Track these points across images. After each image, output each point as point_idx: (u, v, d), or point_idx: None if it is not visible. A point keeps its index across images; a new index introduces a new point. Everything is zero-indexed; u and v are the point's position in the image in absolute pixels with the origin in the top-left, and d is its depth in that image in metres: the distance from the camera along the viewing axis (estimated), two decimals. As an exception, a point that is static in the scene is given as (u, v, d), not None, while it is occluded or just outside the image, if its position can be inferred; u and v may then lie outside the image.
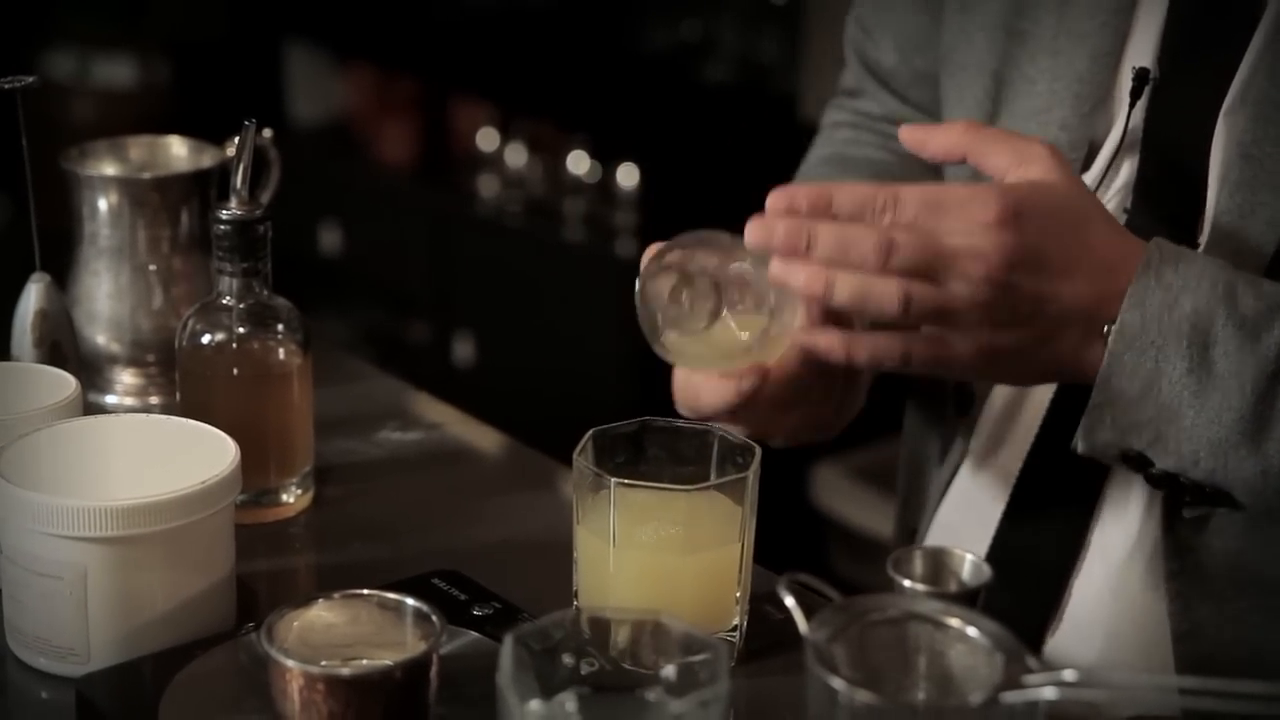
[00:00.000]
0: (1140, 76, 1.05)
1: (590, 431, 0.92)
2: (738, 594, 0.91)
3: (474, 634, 0.89)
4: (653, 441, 0.93)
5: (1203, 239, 1.02)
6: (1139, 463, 0.95)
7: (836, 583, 0.83)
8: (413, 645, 0.82)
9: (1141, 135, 1.05)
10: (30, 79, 1.07)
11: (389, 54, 3.07)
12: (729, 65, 2.67)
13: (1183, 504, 1.01)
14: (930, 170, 1.19)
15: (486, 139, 2.85)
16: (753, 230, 0.90)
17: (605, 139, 2.66)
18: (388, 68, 3.08)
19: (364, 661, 0.82)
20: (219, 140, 1.23)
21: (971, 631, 0.74)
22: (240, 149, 1.05)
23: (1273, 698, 0.69)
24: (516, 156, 2.80)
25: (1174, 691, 0.74)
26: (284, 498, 1.07)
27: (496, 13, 2.92)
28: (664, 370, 1.34)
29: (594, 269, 2.55)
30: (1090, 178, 1.07)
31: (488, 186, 2.82)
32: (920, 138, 0.98)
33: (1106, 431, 0.94)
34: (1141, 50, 1.05)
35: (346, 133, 3.15)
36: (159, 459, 0.94)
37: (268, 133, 1.21)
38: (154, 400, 1.20)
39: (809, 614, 0.75)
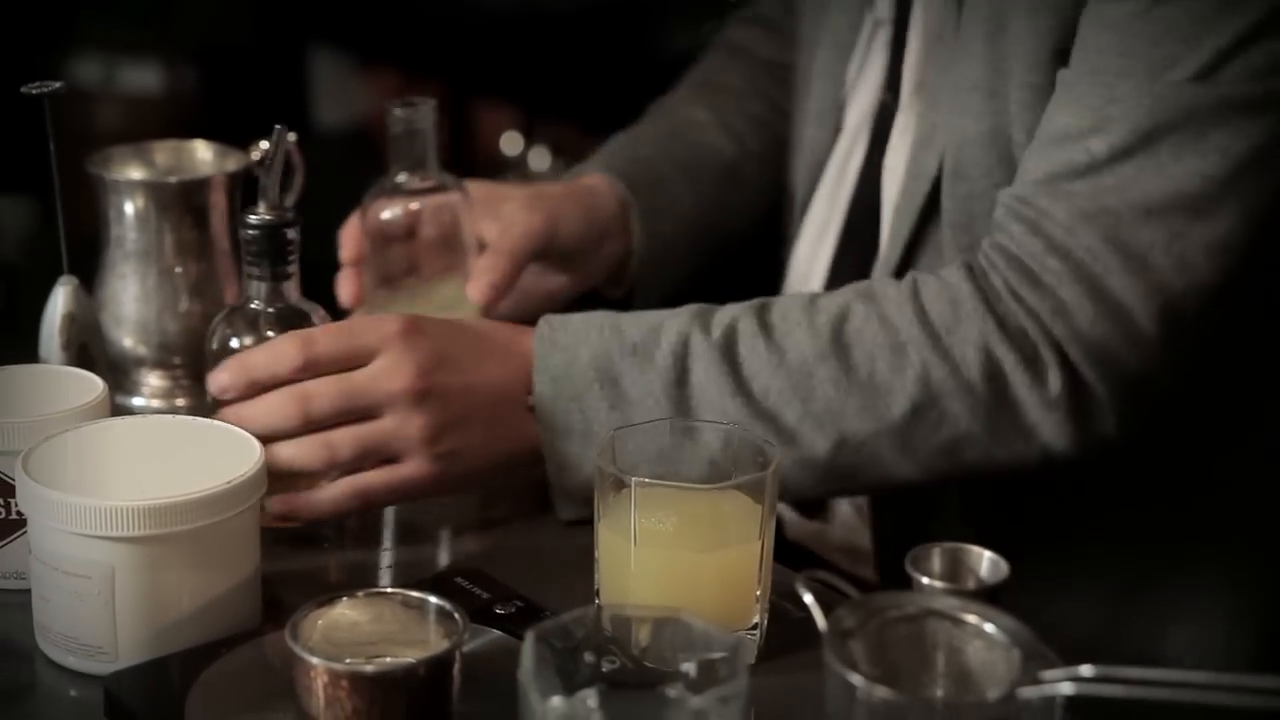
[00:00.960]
0: (877, 21, 1.19)
1: (613, 431, 0.93)
2: (758, 592, 0.92)
3: (496, 632, 0.90)
4: (674, 441, 0.94)
5: (901, 107, 1.16)
6: None
7: (857, 582, 0.83)
8: (436, 643, 0.83)
9: (890, 16, 1.18)
10: (57, 84, 1.07)
11: (413, 59, 3.08)
12: (751, 68, 2.68)
13: None
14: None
15: (510, 143, 2.86)
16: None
17: (628, 142, 2.66)
18: (412, 73, 3.09)
19: (388, 659, 0.83)
20: (245, 145, 1.24)
21: (989, 628, 0.75)
22: (272, 153, 1.05)
23: (1288, 693, 0.70)
24: (540, 160, 2.80)
25: (1195, 687, 0.74)
26: None
27: (519, 17, 2.92)
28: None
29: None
30: (858, 56, 1.21)
31: (511, 190, 2.82)
32: None
33: (575, 491, 1.02)
34: None
35: (371, 137, 3.16)
36: (185, 459, 0.95)
37: (292, 136, 1.21)
38: (180, 402, 1.21)
39: (828, 611, 0.76)
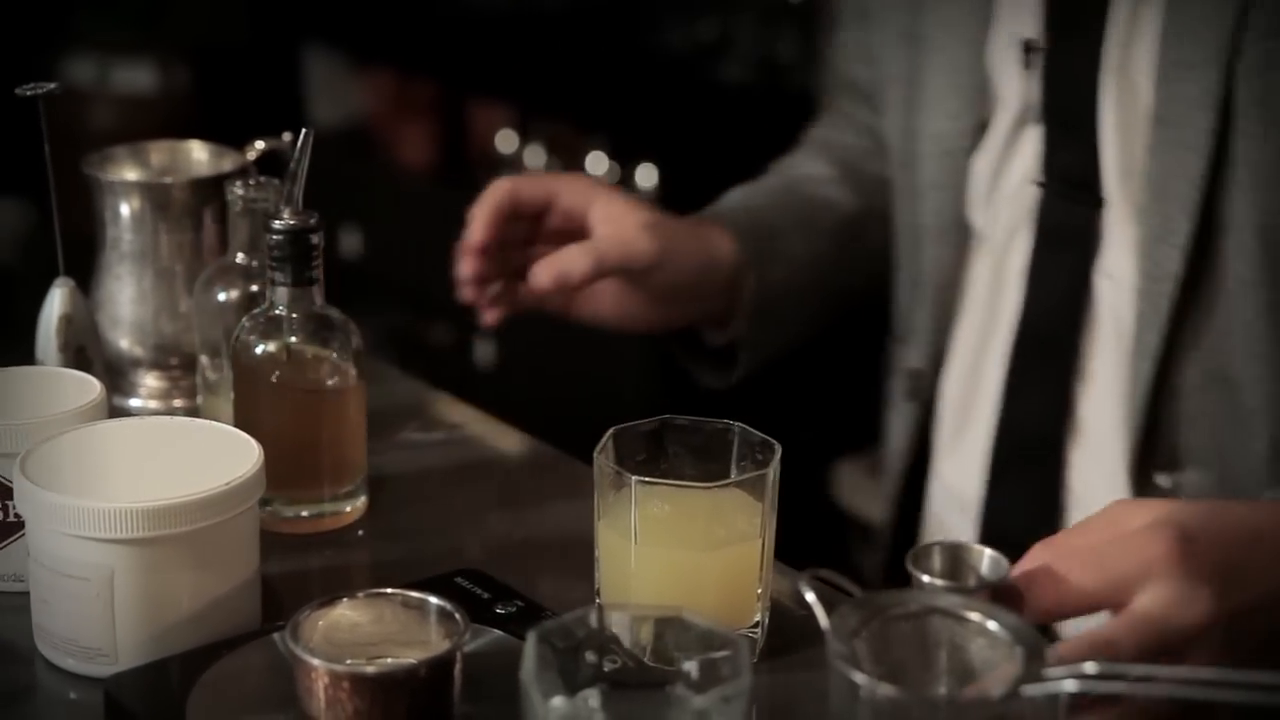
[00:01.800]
0: (1027, 47, 1.08)
1: (611, 430, 0.92)
2: (759, 590, 0.91)
3: (497, 632, 0.90)
4: (673, 439, 0.94)
5: (1109, 202, 1.05)
6: None
7: (859, 581, 0.83)
8: (437, 644, 0.83)
9: (1040, 106, 1.08)
10: (51, 85, 1.07)
11: (407, 57, 3.08)
12: (746, 64, 2.68)
13: (1154, 473, 1.05)
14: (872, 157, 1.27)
15: (505, 141, 2.85)
16: None
17: (623, 139, 2.66)
18: (406, 71, 3.08)
19: (389, 660, 0.83)
20: (240, 145, 1.24)
21: (992, 625, 0.75)
22: (297, 157, 1.03)
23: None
24: (535, 158, 2.80)
25: (1199, 684, 0.74)
26: (345, 508, 1.07)
27: (513, 15, 2.92)
28: (685, 370, 1.35)
29: (614, 269, 2.55)
30: (990, 157, 1.11)
31: (507, 188, 2.82)
32: None
33: None
34: (1020, 23, 1.09)
35: (366, 136, 3.16)
36: (183, 461, 0.95)
37: (287, 136, 1.21)
38: (177, 403, 1.21)
39: (830, 610, 0.75)
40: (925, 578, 0.82)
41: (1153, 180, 1.02)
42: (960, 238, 1.14)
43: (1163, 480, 1.06)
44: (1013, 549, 1.07)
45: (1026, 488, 1.14)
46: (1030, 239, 1.11)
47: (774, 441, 0.92)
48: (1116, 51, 1.04)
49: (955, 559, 0.84)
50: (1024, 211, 1.10)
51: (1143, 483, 1.06)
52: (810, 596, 0.76)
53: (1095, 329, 1.09)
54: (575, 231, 1.16)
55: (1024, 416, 1.13)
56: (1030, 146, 1.10)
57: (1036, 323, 1.11)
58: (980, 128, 1.11)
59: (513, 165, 2.82)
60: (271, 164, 1.22)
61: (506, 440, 1.23)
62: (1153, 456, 1.06)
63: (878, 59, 1.22)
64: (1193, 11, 1.00)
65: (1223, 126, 0.99)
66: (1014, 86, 1.09)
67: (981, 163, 1.12)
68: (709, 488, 0.90)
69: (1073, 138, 1.07)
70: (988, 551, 0.84)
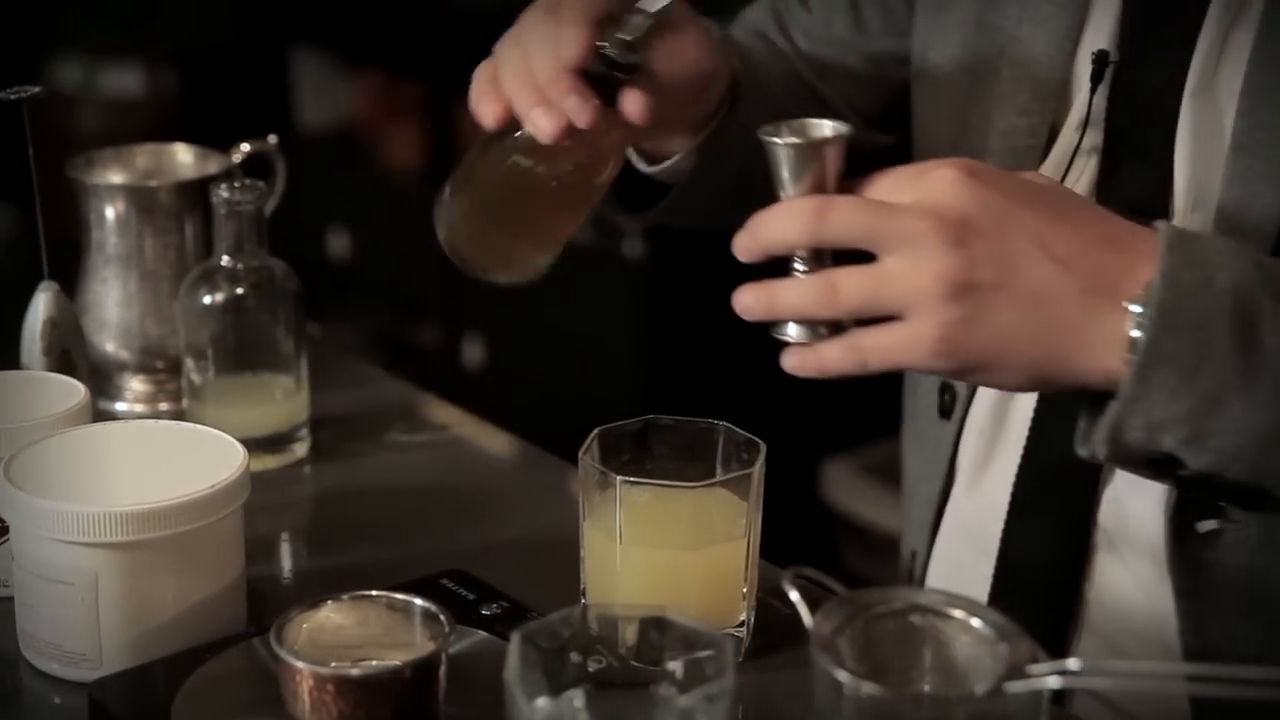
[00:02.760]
0: (1100, 59, 1.02)
1: (596, 430, 0.92)
2: (744, 589, 0.91)
3: (482, 633, 0.90)
4: (658, 439, 0.94)
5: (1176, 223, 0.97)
6: (1165, 466, 0.85)
7: (848, 579, 0.83)
8: (421, 645, 0.83)
9: (1104, 120, 1.02)
10: (36, 89, 1.07)
11: (395, 59, 3.08)
12: (733, 64, 2.67)
13: (1195, 518, 0.98)
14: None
15: (493, 142, 2.85)
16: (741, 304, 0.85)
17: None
18: (394, 73, 3.08)
19: (373, 662, 0.83)
20: (227, 147, 1.24)
21: (975, 622, 0.75)
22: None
23: (1274, 683, 0.70)
24: (523, 158, 2.80)
25: (1178, 679, 0.74)
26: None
27: (500, 16, 2.92)
28: (671, 370, 1.34)
29: (601, 269, 2.55)
30: (1051, 164, 1.05)
31: (495, 189, 2.82)
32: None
33: (1136, 431, 0.83)
34: (1101, 33, 1.04)
35: (354, 138, 3.16)
36: (167, 464, 0.95)
37: (273, 139, 1.21)
38: (163, 406, 1.21)
39: (815, 608, 0.75)
40: (777, 139, 0.82)
41: (1227, 212, 0.96)
42: None
43: (1204, 525, 0.99)
44: (1034, 592, 1.05)
45: (1053, 526, 1.06)
46: None
47: (759, 440, 0.92)
48: (1200, 73, 0.99)
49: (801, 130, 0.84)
50: None
51: (1181, 527, 0.99)
52: (794, 595, 0.76)
53: None
54: None
55: (1056, 448, 1.02)
56: (1088, 165, 1.04)
57: None
58: (1051, 132, 1.05)
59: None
60: (257, 167, 1.22)
61: (493, 441, 1.23)
62: (1196, 501, 0.99)
63: (929, 44, 1.13)
64: None
65: None
66: (1081, 99, 1.03)
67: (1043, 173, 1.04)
68: (694, 487, 0.90)
69: (1140, 160, 1.01)
70: (828, 123, 0.84)
